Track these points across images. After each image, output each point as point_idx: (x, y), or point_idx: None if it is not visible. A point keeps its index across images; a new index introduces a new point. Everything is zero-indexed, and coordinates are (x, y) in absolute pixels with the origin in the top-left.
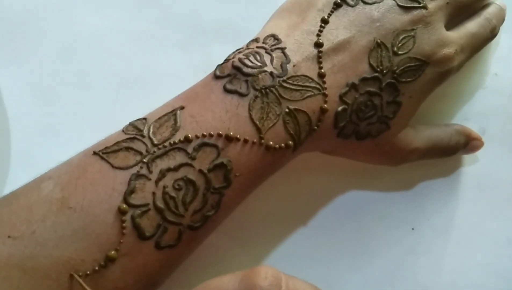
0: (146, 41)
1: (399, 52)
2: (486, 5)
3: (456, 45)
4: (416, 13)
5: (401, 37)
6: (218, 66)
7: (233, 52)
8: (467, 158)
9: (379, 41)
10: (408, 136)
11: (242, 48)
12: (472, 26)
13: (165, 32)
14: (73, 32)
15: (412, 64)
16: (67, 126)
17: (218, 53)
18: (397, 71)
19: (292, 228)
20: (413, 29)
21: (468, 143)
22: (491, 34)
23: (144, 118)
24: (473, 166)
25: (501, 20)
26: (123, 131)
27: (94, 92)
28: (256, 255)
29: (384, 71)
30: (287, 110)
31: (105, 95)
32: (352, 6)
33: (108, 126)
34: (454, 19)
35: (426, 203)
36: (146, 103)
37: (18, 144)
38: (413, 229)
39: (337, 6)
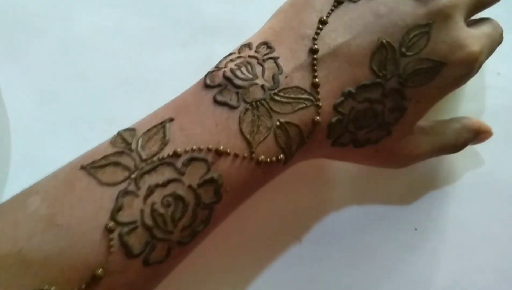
0: (146, 40)
1: (408, 53)
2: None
3: (479, 43)
4: (433, 3)
5: (412, 35)
6: (209, 73)
7: (225, 58)
8: (470, 157)
9: (384, 41)
10: (412, 142)
11: (234, 53)
12: (486, 27)
13: (166, 31)
14: (73, 31)
15: (424, 66)
16: (67, 126)
17: (219, 51)
18: (403, 75)
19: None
20: (428, 24)
21: (476, 137)
22: (500, 38)
23: (133, 129)
24: (476, 166)
25: None
26: (111, 143)
27: (94, 92)
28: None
29: (388, 76)
30: (278, 123)
31: (105, 95)
32: (354, 1)
33: (108, 126)
34: (473, 14)
35: (429, 203)
36: (146, 102)
37: (18, 144)
38: (416, 229)
39: (338, 3)
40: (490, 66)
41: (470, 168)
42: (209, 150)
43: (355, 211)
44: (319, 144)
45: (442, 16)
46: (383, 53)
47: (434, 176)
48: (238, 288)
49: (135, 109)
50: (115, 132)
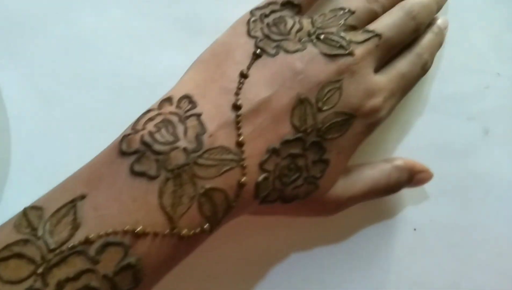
0: (146, 40)
1: (324, 108)
2: (422, 34)
3: (385, 91)
4: (342, 61)
5: (326, 90)
6: (125, 137)
7: (143, 115)
8: (470, 158)
9: (302, 97)
10: (339, 187)
11: (153, 110)
12: (402, 65)
13: (166, 31)
14: (73, 32)
15: (339, 119)
16: (67, 126)
17: None
18: (322, 128)
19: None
20: (338, 80)
21: (412, 178)
22: (422, 71)
23: (40, 208)
24: (476, 166)
25: (436, 49)
26: (15, 227)
27: (94, 92)
28: None
29: (308, 130)
30: (202, 190)
31: (105, 95)
32: (272, 55)
33: (108, 126)
34: (385, 58)
35: (428, 204)
36: (146, 103)
37: (18, 144)
38: (415, 229)
39: (256, 56)
40: (490, 66)
41: (469, 168)
42: (125, 232)
43: (353, 212)
44: (247, 205)
45: (350, 72)
46: (302, 108)
47: (434, 176)
48: None
49: (135, 110)
50: (115, 132)
